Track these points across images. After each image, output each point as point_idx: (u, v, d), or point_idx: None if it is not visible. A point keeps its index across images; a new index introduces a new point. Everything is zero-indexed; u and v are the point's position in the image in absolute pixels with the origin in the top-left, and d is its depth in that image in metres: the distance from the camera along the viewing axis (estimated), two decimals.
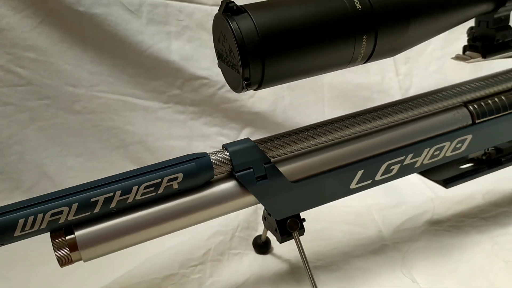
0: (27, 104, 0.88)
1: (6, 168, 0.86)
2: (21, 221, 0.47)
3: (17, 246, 0.78)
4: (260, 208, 0.77)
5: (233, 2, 0.48)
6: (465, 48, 0.66)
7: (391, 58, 1.00)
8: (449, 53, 0.91)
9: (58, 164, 0.87)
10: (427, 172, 0.68)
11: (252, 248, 0.72)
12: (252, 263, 0.69)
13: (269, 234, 0.71)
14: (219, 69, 0.88)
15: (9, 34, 0.87)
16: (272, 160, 0.56)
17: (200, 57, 0.92)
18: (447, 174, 0.68)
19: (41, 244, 0.77)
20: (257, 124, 0.96)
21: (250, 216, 0.77)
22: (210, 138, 0.95)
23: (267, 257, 0.71)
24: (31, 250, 0.77)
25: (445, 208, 0.80)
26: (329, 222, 0.79)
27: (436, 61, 0.99)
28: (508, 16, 0.63)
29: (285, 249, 0.71)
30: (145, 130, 0.92)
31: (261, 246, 0.71)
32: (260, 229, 0.73)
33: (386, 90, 0.99)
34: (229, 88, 0.93)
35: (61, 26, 0.89)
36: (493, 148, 0.70)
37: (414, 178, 0.89)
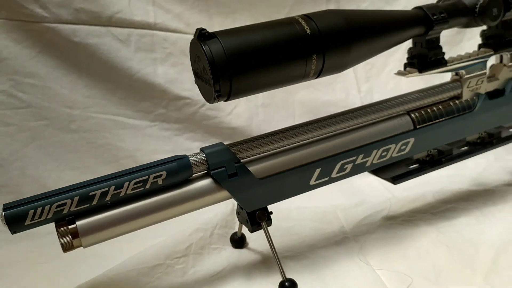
0: (28, 125, 0.98)
1: (8, 182, 0.95)
2: (31, 211, 0.57)
3: (19, 248, 0.87)
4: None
5: (205, 29, 0.59)
6: (405, 65, 0.78)
7: (354, 77, 1.13)
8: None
9: (55, 177, 0.97)
10: (379, 171, 0.79)
11: (230, 243, 0.81)
12: (229, 256, 0.78)
13: (244, 231, 0.81)
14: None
15: (10, 62, 0.97)
16: (242, 160, 0.67)
17: (183, 79, 1.04)
18: (395, 173, 0.79)
19: (40, 247, 0.87)
20: (234, 138, 1.06)
21: (228, 216, 0.86)
22: (193, 152, 1.05)
23: (243, 250, 0.80)
24: (31, 252, 0.86)
25: (400, 206, 0.91)
26: (298, 220, 0.89)
27: (393, 80, 1.11)
28: (438, 37, 0.75)
29: (259, 244, 0.81)
30: (134, 146, 1.02)
31: (237, 241, 0.81)
32: (236, 226, 0.82)
33: (350, 105, 1.09)
34: (209, 106, 1.05)
35: (57, 55, 1.00)
36: (435, 150, 0.81)
37: (375, 182, 1.01)
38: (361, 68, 1.14)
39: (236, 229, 0.82)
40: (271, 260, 0.75)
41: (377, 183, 1.03)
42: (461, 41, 1.05)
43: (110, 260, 0.74)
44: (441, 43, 1.07)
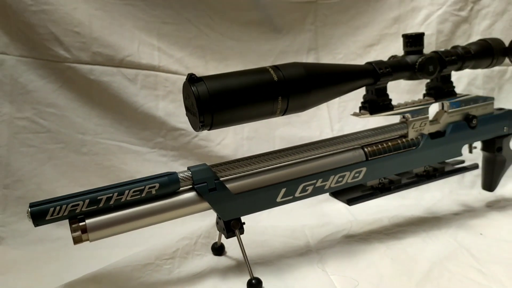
0: (46, 147, 1.14)
1: (26, 195, 1.11)
2: (51, 209, 0.73)
3: (30, 250, 1.02)
4: None
5: (194, 74, 0.76)
6: (360, 108, 0.96)
7: (328, 117, 1.30)
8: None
9: (66, 192, 1.11)
10: (337, 194, 0.95)
11: (211, 251, 0.96)
12: (209, 261, 0.93)
13: (224, 240, 0.96)
14: None
15: (35, 94, 1.15)
16: (221, 178, 0.83)
17: (180, 114, 1.21)
18: (351, 196, 0.94)
19: (48, 250, 1.02)
20: None
21: (210, 228, 1.01)
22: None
23: (221, 257, 0.95)
24: (41, 253, 1.01)
25: (359, 227, 1.06)
26: (271, 236, 1.03)
27: (362, 121, 1.27)
28: (385, 87, 0.92)
29: (235, 252, 0.96)
30: (135, 169, 1.18)
31: (217, 249, 0.96)
32: (217, 237, 0.97)
33: None
34: (201, 137, 1.23)
35: (75, 89, 1.17)
36: (386, 179, 0.97)
37: (342, 208, 1.17)
38: (335, 109, 1.31)
39: (216, 239, 0.97)
40: (244, 265, 0.90)
41: (343, 209, 1.18)
42: (422, 90, 1.22)
43: (109, 258, 0.89)
44: (406, 90, 1.26)
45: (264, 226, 1.07)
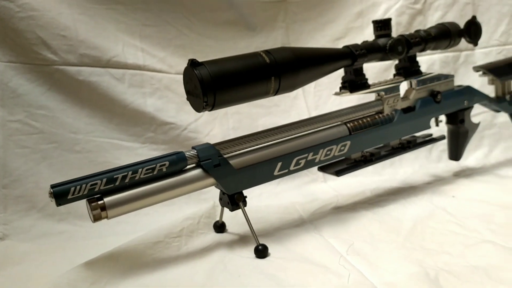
0: (40, 147, 1.17)
1: (24, 193, 1.12)
2: (72, 189, 0.77)
3: (37, 243, 1.04)
4: (217, 205, 1.09)
5: (195, 59, 0.83)
6: (340, 88, 1.05)
7: (306, 106, 1.39)
8: (345, 102, 1.30)
9: None
10: (325, 168, 1.04)
11: (213, 230, 1.02)
12: (213, 237, 0.99)
13: (224, 218, 1.02)
14: (182, 116, 1.27)
15: (25, 97, 1.17)
16: (224, 155, 0.90)
17: (168, 109, 1.27)
18: (338, 168, 1.04)
19: (52, 242, 1.05)
20: None
21: (210, 210, 1.08)
22: None
23: (224, 234, 1.01)
24: (47, 244, 1.04)
25: (345, 200, 1.15)
26: (266, 213, 1.10)
27: (337, 107, 1.38)
28: (362, 67, 1.03)
29: (236, 229, 1.02)
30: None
31: (219, 227, 1.02)
32: (217, 217, 1.03)
33: None
34: (190, 129, 1.30)
35: (64, 91, 1.21)
36: (367, 152, 1.07)
37: (326, 187, 1.26)
38: (311, 98, 1.41)
39: (217, 219, 1.03)
40: (247, 238, 0.96)
41: (328, 187, 1.28)
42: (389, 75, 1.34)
43: (121, 237, 0.94)
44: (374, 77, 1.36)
45: (258, 206, 1.14)
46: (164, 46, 1.33)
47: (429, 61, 1.46)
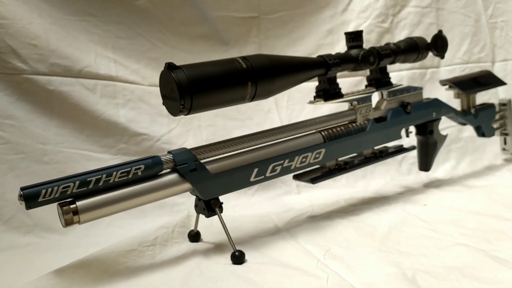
0: (6, 158, 1.12)
1: None
2: (43, 191, 0.74)
3: (23, 244, 0.99)
4: (191, 215, 1.07)
5: (173, 63, 0.83)
6: (314, 97, 1.07)
7: (279, 120, 1.40)
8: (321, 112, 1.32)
9: None
10: (300, 176, 1.04)
11: (187, 239, 1.00)
12: (188, 246, 0.96)
13: (199, 228, 1.00)
14: (155, 128, 1.26)
15: None
16: (201, 160, 0.89)
17: (141, 120, 1.25)
18: (313, 176, 1.04)
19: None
20: None
21: (184, 219, 1.05)
22: None
23: (199, 243, 0.99)
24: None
25: (320, 209, 1.15)
26: (241, 223, 1.09)
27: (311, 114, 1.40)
28: (335, 77, 1.05)
29: (211, 238, 1.00)
30: None
31: (194, 236, 1.00)
32: (192, 226, 1.01)
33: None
34: (163, 140, 1.28)
35: (33, 101, 1.17)
36: (341, 161, 1.08)
37: (300, 198, 1.26)
38: (284, 112, 1.43)
39: (192, 228, 1.01)
40: (223, 246, 0.95)
41: (302, 199, 1.28)
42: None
43: (96, 245, 0.91)
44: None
45: (233, 216, 1.13)
46: (138, 58, 1.32)
47: (397, 77, 1.50)
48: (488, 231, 0.94)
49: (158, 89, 0.86)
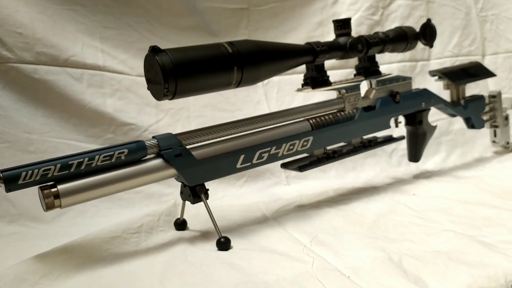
0: None
1: None
2: (24, 173, 0.73)
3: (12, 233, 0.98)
4: (178, 204, 1.05)
5: (157, 46, 0.82)
6: (302, 85, 1.06)
7: (268, 109, 1.39)
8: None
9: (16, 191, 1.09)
10: (288, 164, 1.03)
11: (173, 227, 0.99)
12: (174, 234, 0.95)
13: (186, 216, 0.99)
14: (143, 118, 1.25)
15: None
16: (186, 146, 0.88)
17: (129, 110, 1.24)
18: (300, 164, 1.03)
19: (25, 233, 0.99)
20: None
21: (171, 208, 1.04)
22: None
23: (184, 231, 0.98)
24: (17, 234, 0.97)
25: (308, 199, 1.14)
26: (229, 212, 1.08)
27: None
28: (323, 64, 1.05)
29: (197, 227, 0.99)
30: None
31: (180, 224, 0.98)
32: (178, 215, 1.00)
33: None
34: (150, 131, 1.26)
35: (19, 90, 1.16)
36: (330, 150, 1.07)
37: (288, 189, 1.25)
38: (274, 104, 1.42)
39: (178, 216, 1.00)
40: (209, 234, 0.94)
41: (290, 189, 1.27)
42: None
43: (79, 232, 0.90)
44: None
45: (220, 205, 1.12)
46: (126, 49, 1.30)
47: (388, 69, 1.49)
48: (476, 218, 0.94)
49: None
